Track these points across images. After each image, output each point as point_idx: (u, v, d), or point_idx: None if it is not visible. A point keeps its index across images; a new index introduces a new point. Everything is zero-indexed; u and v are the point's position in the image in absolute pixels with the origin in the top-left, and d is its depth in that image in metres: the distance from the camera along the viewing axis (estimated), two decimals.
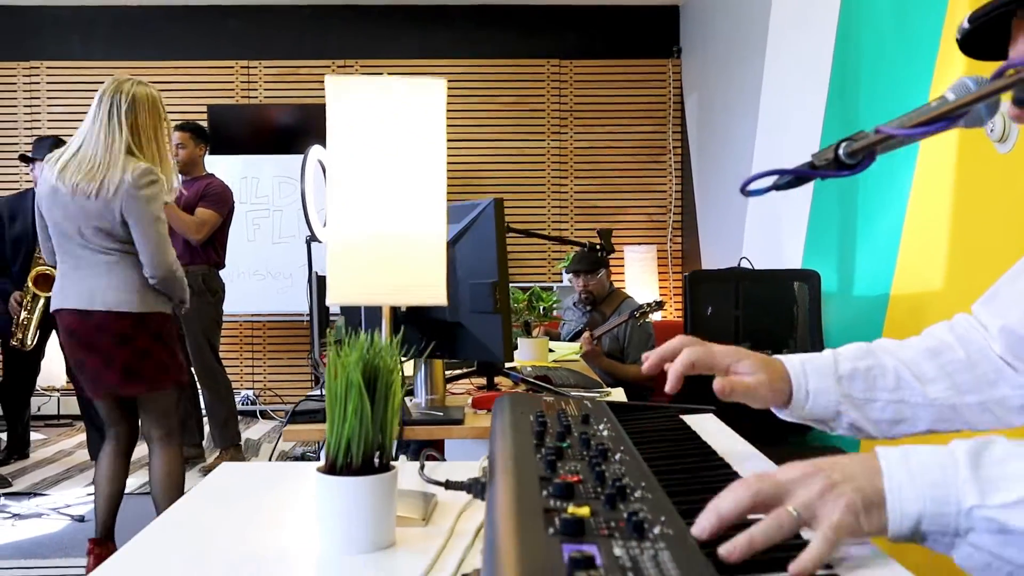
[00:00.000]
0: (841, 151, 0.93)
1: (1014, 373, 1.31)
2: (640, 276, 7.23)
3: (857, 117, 4.01)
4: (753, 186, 0.97)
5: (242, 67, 7.52)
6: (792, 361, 1.32)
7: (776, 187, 1.00)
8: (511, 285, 6.78)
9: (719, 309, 4.03)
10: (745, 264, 4.59)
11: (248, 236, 6.83)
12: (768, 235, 5.23)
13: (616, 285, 6.95)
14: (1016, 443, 0.90)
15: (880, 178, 3.70)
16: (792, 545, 0.86)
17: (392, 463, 1.26)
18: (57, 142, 5.16)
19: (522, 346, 3.46)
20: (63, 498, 4.76)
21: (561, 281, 7.22)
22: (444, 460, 1.80)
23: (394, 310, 2.29)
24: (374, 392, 1.22)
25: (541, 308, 3.46)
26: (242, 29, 7.50)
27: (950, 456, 0.89)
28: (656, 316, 5.76)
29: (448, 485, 1.38)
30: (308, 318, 5.02)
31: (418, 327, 2.32)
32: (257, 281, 6.92)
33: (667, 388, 1.29)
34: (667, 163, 7.63)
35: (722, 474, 1.18)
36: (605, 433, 1.28)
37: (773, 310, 4.01)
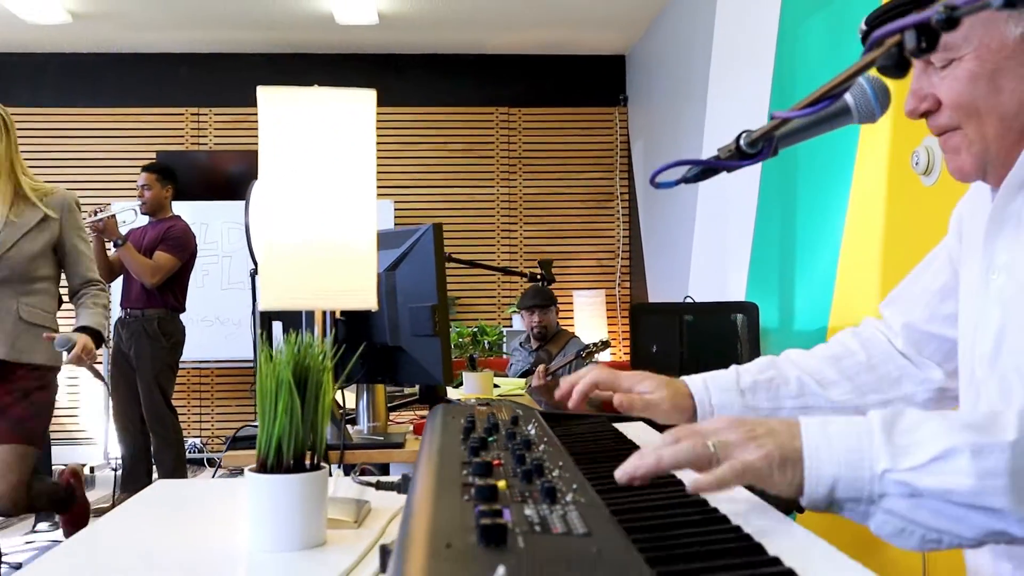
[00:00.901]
0: (742, 141, 0.98)
1: (917, 370, 1.36)
2: (589, 320, 7.29)
3: (795, 159, 4.12)
4: (662, 178, 1.02)
5: (192, 114, 7.54)
6: (694, 379, 1.38)
7: (685, 180, 1.05)
8: (461, 326, 6.78)
9: (663, 344, 4.09)
10: (689, 300, 4.67)
11: (197, 282, 6.76)
12: (712, 273, 5.33)
13: (567, 328, 7.02)
14: (929, 413, 0.94)
15: (815, 213, 3.81)
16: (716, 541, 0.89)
17: (322, 464, 1.28)
18: None
19: (467, 380, 3.47)
20: (2, 545, 4.65)
21: (511, 325, 7.26)
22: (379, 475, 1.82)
23: (335, 332, 2.31)
24: (304, 391, 1.24)
25: (486, 343, 3.48)
26: (193, 76, 7.53)
27: (866, 424, 0.94)
28: (605, 356, 5.81)
29: (379, 485, 1.40)
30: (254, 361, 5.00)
31: (359, 354, 2.34)
32: (205, 327, 6.87)
33: (570, 406, 1.34)
34: (615, 209, 7.74)
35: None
36: (532, 432, 1.31)
37: (715, 344, 4.07)
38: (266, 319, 2.40)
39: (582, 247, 7.70)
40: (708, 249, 5.44)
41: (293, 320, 2.64)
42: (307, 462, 1.25)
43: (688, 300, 4.72)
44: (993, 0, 0.53)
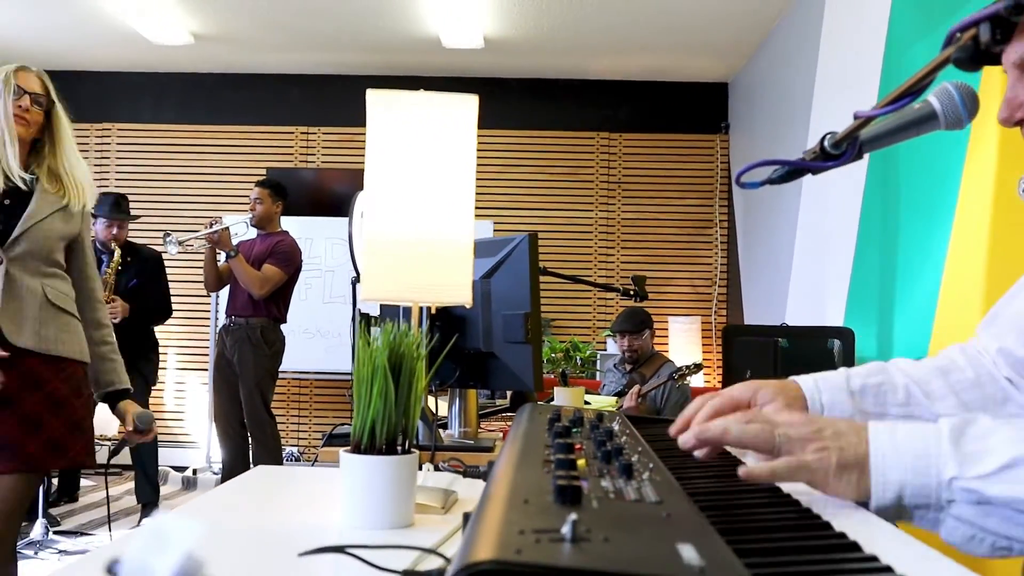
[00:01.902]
0: (826, 143, 1.01)
1: (1019, 393, 1.35)
2: (684, 347, 7.25)
3: (898, 185, 4.07)
4: (747, 178, 1.05)
5: (302, 133, 7.79)
6: (805, 379, 1.37)
7: (770, 180, 1.08)
8: (554, 341, 6.78)
9: (757, 369, 4.06)
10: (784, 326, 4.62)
11: (300, 295, 6.98)
12: (810, 301, 5.26)
13: (660, 352, 6.99)
14: (1000, 421, 0.94)
15: (917, 240, 3.74)
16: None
17: (413, 448, 1.33)
18: (118, 199, 5.39)
19: (558, 395, 3.50)
20: (108, 539, 4.86)
21: (605, 348, 7.26)
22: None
23: (429, 340, 2.38)
24: (399, 377, 1.30)
25: (578, 359, 3.52)
26: (303, 97, 7.79)
27: (934, 431, 0.94)
28: (698, 380, 5.78)
29: (466, 473, 1.46)
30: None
31: (452, 358, 2.40)
32: (306, 339, 7.06)
33: (699, 456, 1.31)
34: (713, 236, 7.70)
35: (730, 461, 1.24)
36: (616, 427, 1.35)
37: (810, 370, 4.02)
38: (365, 321, 2.48)
39: (679, 273, 7.68)
40: (806, 276, 5.38)
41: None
42: (399, 447, 1.31)
43: (783, 326, 4.67)
44: None
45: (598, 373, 7.06)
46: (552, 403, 3.62)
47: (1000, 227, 3.15)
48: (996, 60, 0.85)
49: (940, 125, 1.04)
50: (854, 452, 0.94)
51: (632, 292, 3.24)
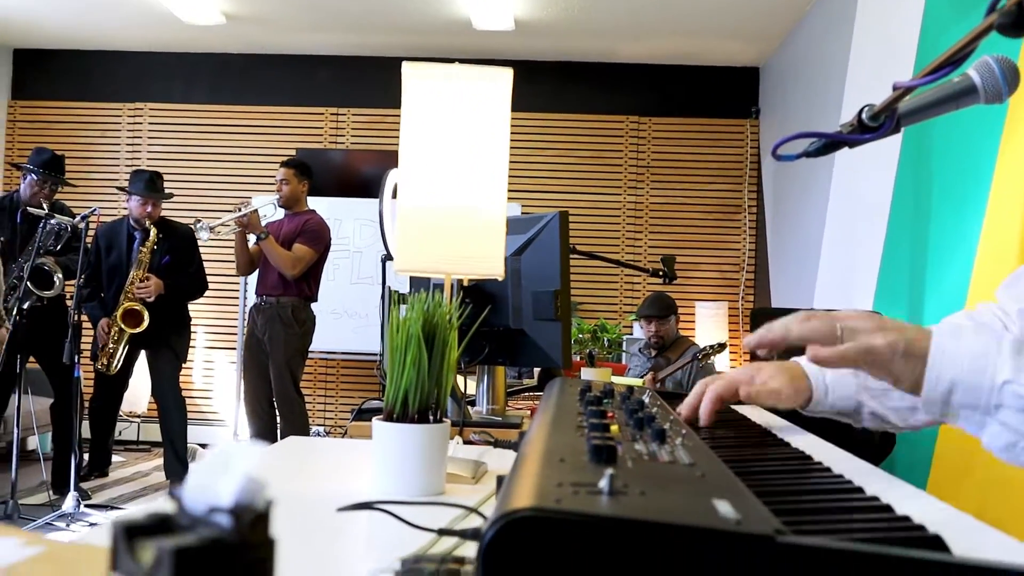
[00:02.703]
0: (864, 115, 1.01)
1: None
2: (711, 332, 7.23)
3: (930, 170, 4.03)
4: (783, 150, 1.05)
5: (332, 114, 7.82)
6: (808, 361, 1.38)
7: (807, 153, 1.08)
8: (582, 322, 6.77)
9: (784, 353, 4.04)
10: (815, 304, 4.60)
11: (328, 276, 7.01)
12: (839, 286, 5.23)
13: (685, 336, 6.98)
14: None
15: (950, 225, 3.72)
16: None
17: (445, 418, 1.35)
18: (152, 177, 5.44)
19: (585, 375, 3.52)
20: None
21: (631, 332, 7.26)
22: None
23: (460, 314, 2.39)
24: (432, 347, 1.32)
25: (605, 340, 3.52)
26: (333, 78, 7.82)
27: (996, 341, 0.95)
28: (722, 360, 5.77)
29: (497, 444, 1.47)
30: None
31: (482, 335, 2.42)
32: (334, 320, 7.10)
33: (701, 423, 1.34)
34: (742, 221, 7.67)
35: (758, 432, 1.24)
36: (646, 399, 1.36)
37: None
38: (394, 298, 2.50)
39: (707, 258, 7.65)
40: (835, 262, 5.35)
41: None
42: (431, 416, 1.33)
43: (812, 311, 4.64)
44: None
45: (624, 355, 7.07)
46: None
47: None
48: None
49: (980, 99, 1.03)
50: (918, 344, 0.95)
51: (662, 273, 3.24)
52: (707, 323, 7.29)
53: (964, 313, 1.44)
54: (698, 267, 7.64)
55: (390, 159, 7.59)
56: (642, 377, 4.84)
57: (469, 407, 2.52)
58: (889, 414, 1.33)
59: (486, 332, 2.42)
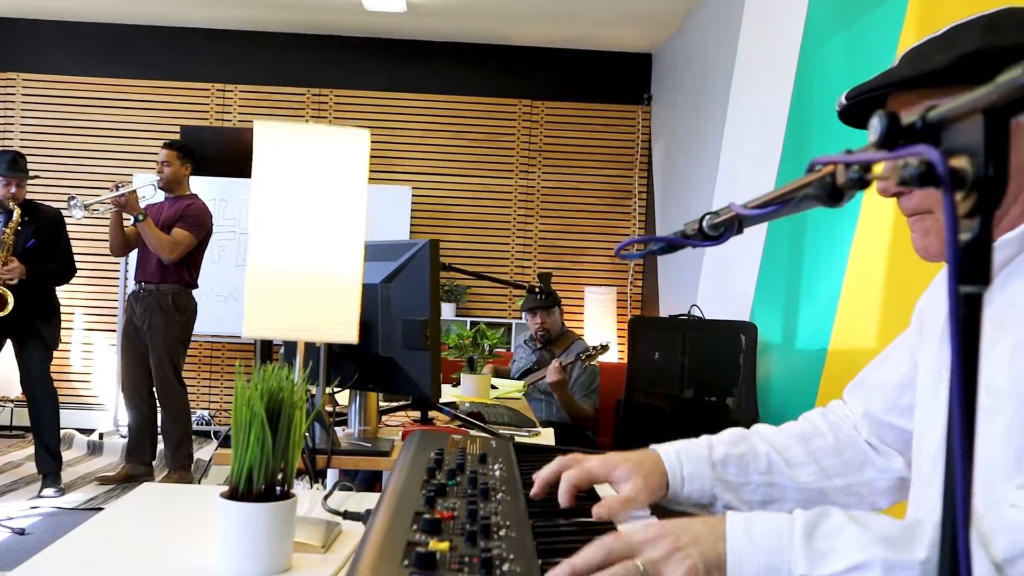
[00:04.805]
0: (705, 223, 1.01)
1: (880, 457, 1.38)
2: (599, 317, 7.32)
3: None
4: (626, 251, 1.05)
5: (218, 90, 7.60)
6: (668, 451, 1.37)
7: (650, 252, 1.08)
8: (471, 320, 6.83)
9: (665, 354, 4.12)
10: (696, 312, 4.69)
11: (213, 258, 6.86)
12: (721, 285, 5.34)
13: (576, 324, 7.04)
14: (851, 516, 0.96)
15: (823, 239, 3.82)
16: None
17: (292, 492, 1.32)
18: (15, 157, 5.20)
19: (465, 382, 3.52)
20: (6, 510, 4.75)
21: (520, 318, 7.31)
22: (359, 489, 1.87)
23: (330, 343, 2.36)
24: (277, 423, 1.29)
25: (486, 346, 3.53)
26: (219, 52, 7.58)
27: (788, 526, 0.96)
28: (611, 357, 5.84)
29: (346, 515, 1.45)
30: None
31: (352, 359, 2.38)
32: (219, 303, 6.95)
33: (563, 505, 1.31)
34: (632, 207, 7.75)
35: (597, 525, 1.25)
36: (497, 473, 1.35)
37: (717, 358, 4.10)
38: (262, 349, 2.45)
39: (596, 243, 7.72)
40: (720, 253, 5.45)
41: (292, 343, 2.69)
42: (278, 490, 1.30)
43: (694, 308, 4.73)
44: (905, 175, 0.56)
45: (512, 343, 7.10)
46: (458, 389, 3.63)
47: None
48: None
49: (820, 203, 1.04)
50: (714, 553, 0.95)
51: (537, 289, 3.25)
52: (595, 308, 7.37)
53: (819, 411, 1.47)
54: (588, 252, 7.70)
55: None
56: (527, 371, 4.87)
57: (340, 428, 2.48)
58: (742, 507, 1.35)
59: (356, 357, 2.39)
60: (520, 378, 4.83)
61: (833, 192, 0.72)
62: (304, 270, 1.41)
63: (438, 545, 0.95)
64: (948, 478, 0.55)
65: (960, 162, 0.54)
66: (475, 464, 1.39)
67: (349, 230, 1.43)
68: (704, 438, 1.39)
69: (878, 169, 0.64)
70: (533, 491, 1.32)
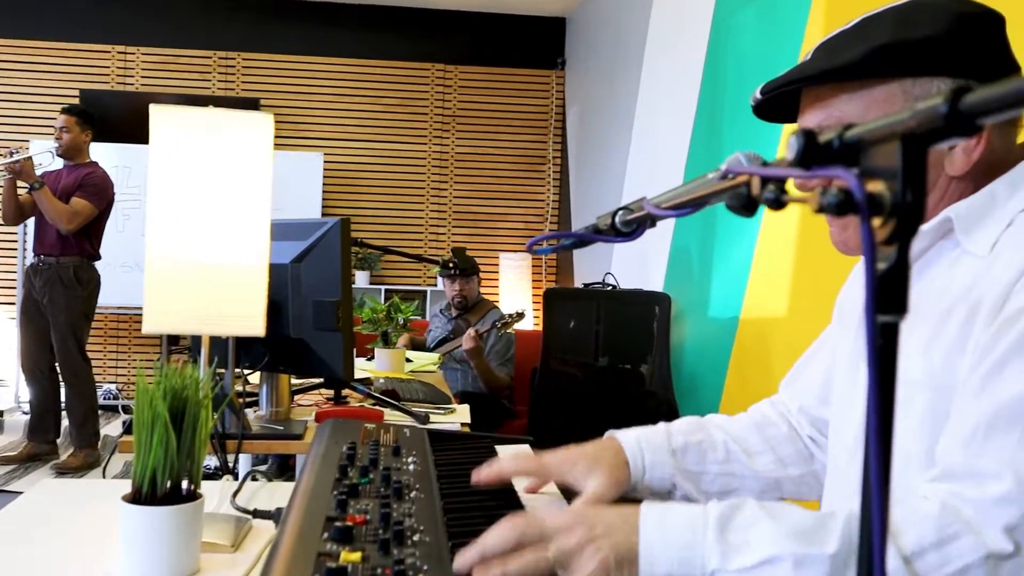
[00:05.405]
0: (618, 219, 0.99)
1: (819, 450, 1.39)
2: (515, 283, 7.32)
3: (721, 140, 4.16)
4: (539, 246, 1.03)
5: (119, 52, 7.32)
6: (628, 439, 1.34)
7: (562, 247, 1.06)
8: (386, 288, 6.77)
9: (579, 324, 4.13)
10: (610, 279, 4.71)
11: (118, 227, 6.64)
12: (635, 253, 5.37)
13: (491, 291, 7.04)
14: (765, 509, 0.96)
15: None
16: None
17: (199, 492, 1.27)
18: None
19: (379, 356, 3.48)
20: None
21: (435, 284, 7.27)
22: (272, 474, 1.82)
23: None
24: (182, 422, 1.24)
25: (400, 319, 3.49)
26: (121, 13, 7.30)
27: (702, 519, 0.95)
28: (526, 325, 5.85)
29: (256, 514, 1.41)
30: None
31: (262, 342, 2.33)
32: (124, 273, 6.75)
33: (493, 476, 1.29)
34: (546, 173, 7.74)
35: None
36: (411, 467, 1.32)
37: (631, 327, 4.13)
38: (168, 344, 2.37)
39: (511, 209, 7.70)
40: None
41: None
42: (184, 490, 1.25)
43: (608, 276, 4.76)
44: (824, 203, 0.54)
45: (427, 311, 7.07)
46: (372, 363, 3.59)
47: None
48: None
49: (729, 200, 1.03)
50: (627, 545, 0.94)
51: (451, 264, 3.21)
52: (510, 273, 7.37)
53: (768, 401, 1.47)
54: (503, 218, 7.68)
55: (185, 103, 7.21)
56: (442, 340, 4.85)
57: (251, 411, 2.43)
58: (700, 497, 1.34)
59: (266, 339, 2.33)
60: (436, 347, 4.81)
61: (748, 203, 0.71)
62: (207, 261, 1.35)
63: (349, 556, 0.93)
64: (867, 479, 0.55)
65: (877, 186, 0.53)
66: (388, 458, 1.36)
67: (254, 219, 1.38)
68: (661, 426, 1.38)
69: (795, 192, 0.63)
70: (482, 475, 1.28)
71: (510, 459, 1.31)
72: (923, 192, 0.52)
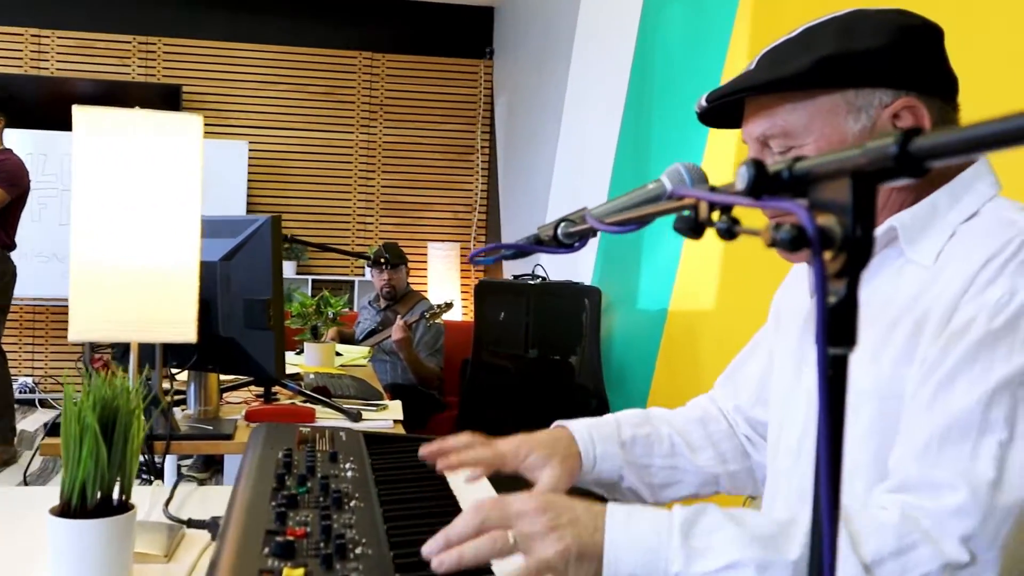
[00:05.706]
0: (560, 232, 1.00)
1: (754, 449, 1.41)
2: (444, 273, 7.30)
3: (649, 133, 4.19)
4: (481, 257, 1.03)
5: (32, 35, 7.09)
6: (579, 430, 1.35)
7: (503, 257, 1.06)
8: (313, 278, 6.70)
9: (510, 315, 4.14)
10: (539, 271, 4.72)
11: (33, 216, 6.45)
12: None
13: (419, 280, 7.01)
14: (728, 514, 0.97)
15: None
16: None
17: (131, 503, 1.25)
18: None
19: (308, 351, 3.44)
20: None
21: (363, 275, 7.21)
22: (200, 471, 1.79)
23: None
24: (112, 434, 1.21)
25: (330, 313, 3.45)
26: None
27: (667, 522, 0.96)
28: (455, 315, 5.84)
29: (190, 524, 1.38)
30: None
31: None
32: (41, 264, 6.56)
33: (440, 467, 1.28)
34: (475, 163, 7.72)
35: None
36: (349, 474, 1.31)
37: (561, 319, 4.15)
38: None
39: (440, 199, 7.67)
40: (563, 206, 5.49)
41: None
42: (115, 500, 1.22)
43: (537, 268, 4.77)
44: (777, 238, 0.55)
45: (356, 302, 7.01)
46: (301, 356, 3.55)
47: None
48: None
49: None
50: (591, 542, 0.94)
51: (383, 260, 3.19)
52: (439, 264, 7.35)
53: (707, 397, 1.48)
54: (431, 208, 7.65)
55: (103, 89, 7.04)
56: (371, 332, 4.82)
57: (178, 409, 2.38)
58: (644, 489, 1.35)
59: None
60: (366, 339, 4.77)
61: (695, 227, 0.71)
62: (135, 266, 1.32)
63: (292, 573, 0.92)
64: (817, 498, 0.55)
65: (828, 220, 0.54)
66: (326, 464, 1.35)
67: (183, 222, 1.35)
68: (610, 417, 1.38)
69: (746, 224, 0.64)
70: (426, 451, 1.28)
71: (464, 444, 1.30)
72: (872, 227, 0.53)
